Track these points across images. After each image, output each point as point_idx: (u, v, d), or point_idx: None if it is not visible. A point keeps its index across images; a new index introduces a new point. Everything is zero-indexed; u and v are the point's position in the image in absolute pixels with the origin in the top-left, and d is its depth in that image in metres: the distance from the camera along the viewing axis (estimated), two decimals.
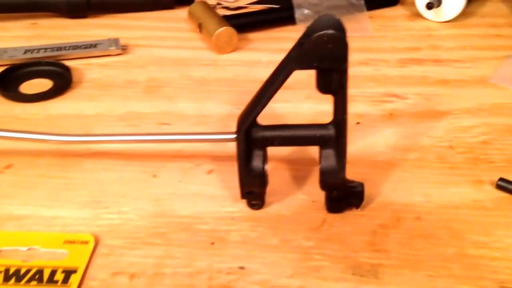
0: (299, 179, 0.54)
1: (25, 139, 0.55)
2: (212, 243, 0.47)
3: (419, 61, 0.71)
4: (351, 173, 0.49)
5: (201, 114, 0.63)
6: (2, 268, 0.45)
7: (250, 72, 0.70)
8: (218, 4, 0.86)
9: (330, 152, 0.47)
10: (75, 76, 0.69)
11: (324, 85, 0.45)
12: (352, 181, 0.49)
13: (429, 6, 0.77)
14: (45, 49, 0.74)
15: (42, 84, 0.68)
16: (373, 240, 0.47)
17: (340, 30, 0.42)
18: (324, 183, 0.48)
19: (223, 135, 0.51)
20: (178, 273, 0.45)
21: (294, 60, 0.43)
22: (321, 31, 0.41)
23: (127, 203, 0.51)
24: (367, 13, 0.80)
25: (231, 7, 0.86)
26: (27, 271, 0.44)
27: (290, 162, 0.55)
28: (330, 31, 0.41)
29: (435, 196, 0.51)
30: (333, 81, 0.44)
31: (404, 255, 0.46)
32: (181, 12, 0.84)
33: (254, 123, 0.47)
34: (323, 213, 0.50)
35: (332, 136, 0.47)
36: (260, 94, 0.46)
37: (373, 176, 0.53)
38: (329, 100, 0.47)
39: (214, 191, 0.52)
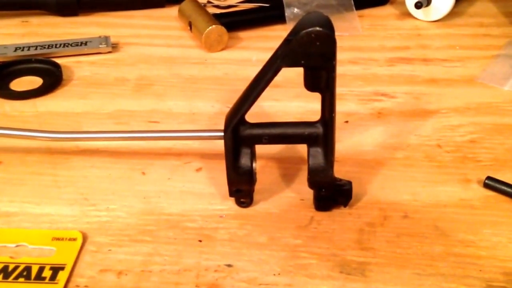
0: (287, 177, 0.54)
1: (14, 136, 0.55)
2: (200, 241, 0.47)
3: (408, 60, 0.72)
4: (339, 172, 0.49)
5: (191, 112, 0.63)
6: None
7: (240, 71, 0.70)
8: (209, 2, 0.86)
9: (318, 151, 0.48)
10: (65, 74, 0.69)
11: (312, 83, 0.45)
12: (340, 180, 0.49)
13: (418, 6, 0.78)
14: (36, 46, 0.74)
15: (32, 82, 0.68)
16: (360, 238, 0.47)
17: (328, 27, 0.42)
18: (312, 181, 0.48)
19: (211, 133, 0.51)
20: (165, 271, 0.45)
21: (281, 57, 0.43)
22: (308, 28, 0.41)
23: (116, 200, 0.51)
24: (356, 12, 0.80)
25: (221, 5, 0.86)
26: (15, 268, 0.44)
27: (279, 160, 0.56)
28: (318, 29, 0.41)
29: (423, 194, 0.51)
30: (321, 79, 0.44)
31: (391, 253, 0.46)
32: (172, 11, 0.84)
33: (242, 121, 0.47)
34: (311, 211, 0.50)
35: (320, 135, 0.47)
36: (248, 92, 0.46)
37: (361, 175, 0.53)
38: (318, 99, 0.47)
39: (203, 189, 0.52)
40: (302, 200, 0.51)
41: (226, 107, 0.62)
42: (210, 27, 0.73)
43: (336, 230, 0.48)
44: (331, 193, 0.49)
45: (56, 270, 0.44)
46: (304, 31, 0.41)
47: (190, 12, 0.78)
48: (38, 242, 0.47)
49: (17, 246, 0.47)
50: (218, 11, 0.84)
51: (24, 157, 0.56)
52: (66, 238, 0.47)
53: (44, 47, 0.74)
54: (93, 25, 0.81)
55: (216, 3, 0.87)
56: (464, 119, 0.61)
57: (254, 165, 0.49)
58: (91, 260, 0.46)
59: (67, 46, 0.74)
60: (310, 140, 0.48)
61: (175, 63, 0.72)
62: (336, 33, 0.43)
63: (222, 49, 0.75)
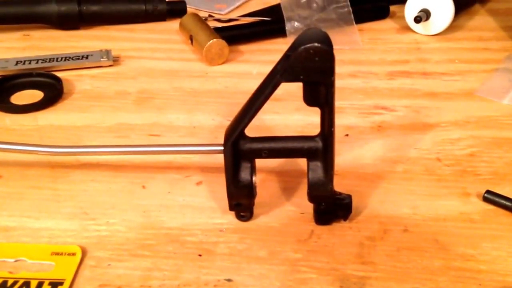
0: (287, 191, 0.54)
1: (15, 151, 0.55)
2: (200, 255, 0.47)
3: (407, 74, 0.72)
4: (339, 185, 0.49)
5: (191, 126, 0.63)
6: None
7: (240, 84, 0.70)
8: (210, 16, 0.87)
9: (317, 165, 0.48)
10: (66, 87, 0.69)
11: (311, 98, 0.45)
12: (340, 193, 0.49)
13: (417, 20, 0.78)
14: (37, 60, 0.74)
15: (33, 95, 0.68)
16: (360, 252, 0.47)
17: (327, 43, 0.42)
18: (312, 195, 0.48)
19: (211, 147, 0.51)
20: (165, 285, 0.45)
21: (281, 73, 0.43)
22: (307, 44, 0.41)
23: (115, 214, 0.51)
24: (356, 26, 0.81)
25: (222, 19, 0.86)
26: (14, 283, 0.44)
27: (279, 173, 0.56)
28: (316, 44, 0.41)
29: (422, 208, 0.51)
30: (320, 94, 0.44)
31: (391, 267, 0.46)
32: (173, 24, 0.84)
33: (242, 135, 0.47)
34: (311, 225, 0.50)
35: (320, 149, 0.47)
36: (247, 106, 0.46)
37: (361, 188, 0.53)
38: (319, 112, 0.47)
39: (203, 203, 0.52)
40: (302, 213, 0.51)
41: (226, 120, 0.62)
42: (211, 41, 0.73)
43: (336, 244, 0.48)
44: (331, 207, 0.49)
45: (55, 285, 0.44)
46: (303, 46, 0.41)
47: (191, 26, 0.78)
48: (37, 257, 0.47)
49: (16, 261, 0.47)
50: (219, 24, 0.84)
51: (24, 171, 0.56)
52: (65, 253, 0.47)
53: (45, 61, 0.74)
54: (94, 39, 0.81)
55: (217, 17, 0.87)
56: (464, 132, 0.61)
57: (254, 179, 0.49)
58: (90, 275, 0.45)
59: (68, 60, 0.74)
60: (309, 154, 0.48)
61: (176, 76, 0.72)
62: (336, 47, 0.43)
63: (223, 63, 0.75)
